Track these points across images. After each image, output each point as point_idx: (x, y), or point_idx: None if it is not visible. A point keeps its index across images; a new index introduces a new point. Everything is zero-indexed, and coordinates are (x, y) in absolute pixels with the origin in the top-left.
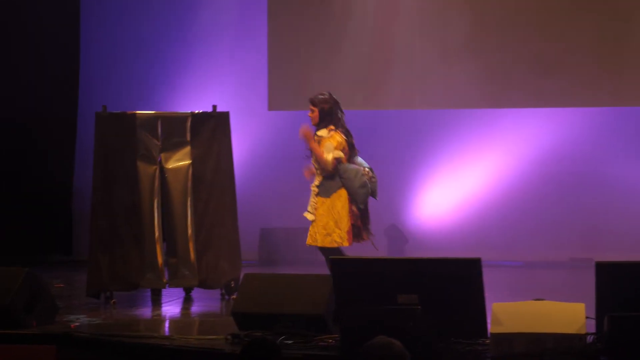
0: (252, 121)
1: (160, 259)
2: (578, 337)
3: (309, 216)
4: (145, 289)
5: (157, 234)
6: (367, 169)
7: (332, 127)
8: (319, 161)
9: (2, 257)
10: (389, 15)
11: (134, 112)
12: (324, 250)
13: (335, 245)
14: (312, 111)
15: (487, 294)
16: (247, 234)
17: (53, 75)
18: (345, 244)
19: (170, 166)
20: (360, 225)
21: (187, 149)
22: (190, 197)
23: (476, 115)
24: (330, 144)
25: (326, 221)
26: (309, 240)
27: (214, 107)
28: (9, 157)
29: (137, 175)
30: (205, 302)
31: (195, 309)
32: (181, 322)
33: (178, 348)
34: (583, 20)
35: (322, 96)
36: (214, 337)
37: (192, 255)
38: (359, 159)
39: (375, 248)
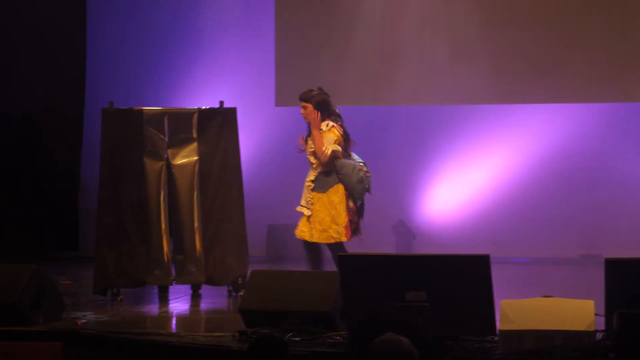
0: (260, 117)
1: (167, 256)
2: (587, 334)
3: (305, 211)
4: (152, 285)
5: (163, 230)
6: (361, 164)
7: (329, 120)
8: (317, 152)
9: (9, 253)
10: (397, 11)
11: (141, 108)
12: (330, 246)
13: (332, 241)
14: (305, 108)
15: (496, 291)
16: (254, 230)
17: (60, 73)
18: (344, 239)
19: (177, 162)
20: (357, 220)
21: (194, 145)
22: (197, 193)
23: (485, 111)
24: (331, 137)
25: (322, 217)
26: (298, 233)
27: (221, 102)
28: (16, 153)
29: (144, 171)
30: (212, 299)
31: (202, 305)
32: (188, 319)
33: (185, 345)
34: (593, 16)
35: (312, 91)
36: (221, 334)
37: (199, 251)
38: (353, 154)
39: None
